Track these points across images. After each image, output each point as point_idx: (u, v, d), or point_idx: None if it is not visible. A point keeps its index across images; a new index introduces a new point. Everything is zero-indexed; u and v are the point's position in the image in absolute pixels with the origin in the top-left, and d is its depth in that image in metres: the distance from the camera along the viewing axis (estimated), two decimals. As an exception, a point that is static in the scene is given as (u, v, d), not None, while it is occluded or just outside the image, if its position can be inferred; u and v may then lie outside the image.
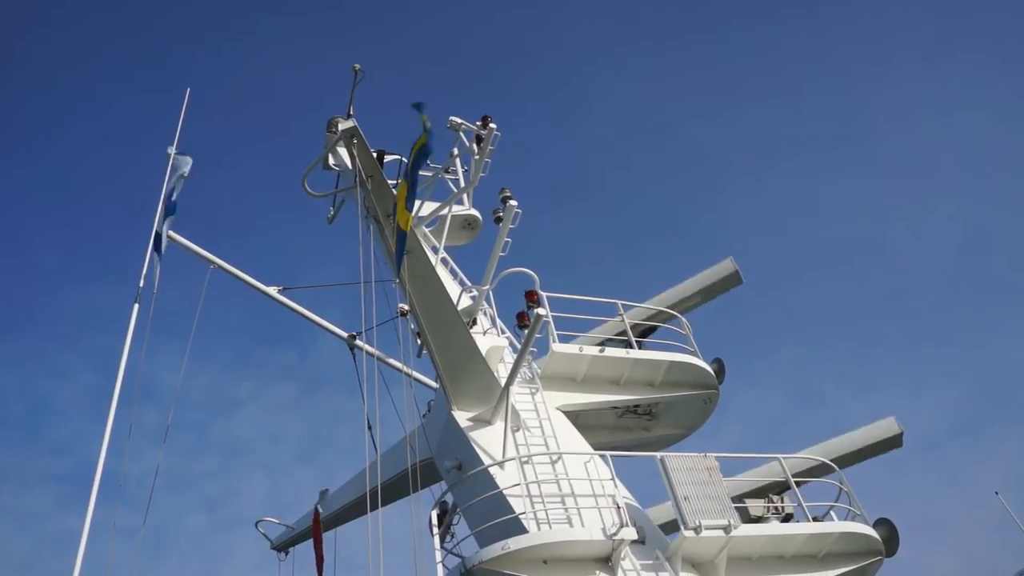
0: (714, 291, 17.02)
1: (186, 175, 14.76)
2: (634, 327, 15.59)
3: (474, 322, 15.80)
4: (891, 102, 64.73)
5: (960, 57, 65.40)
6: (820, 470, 13.62)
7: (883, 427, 15.77)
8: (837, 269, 64.43)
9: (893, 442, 15.80)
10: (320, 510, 16.74)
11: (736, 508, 11.71)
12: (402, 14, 73.00)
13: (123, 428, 11.49)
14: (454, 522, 13.67)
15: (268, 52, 71.16)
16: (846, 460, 14.96)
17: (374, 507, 11.17)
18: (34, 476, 56.24)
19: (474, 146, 15.78)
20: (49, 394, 63.00)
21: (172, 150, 14.74)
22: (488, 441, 13.29)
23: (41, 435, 59.55)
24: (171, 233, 15.12)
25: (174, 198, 14.65)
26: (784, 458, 13.08)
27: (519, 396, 14.02)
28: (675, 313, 16.12)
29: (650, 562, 11.12)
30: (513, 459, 12.42)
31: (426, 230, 17.35)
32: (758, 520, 12.18)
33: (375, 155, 14.95)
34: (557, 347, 14.52)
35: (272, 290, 16.67)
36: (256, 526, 18.61)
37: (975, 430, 55.97)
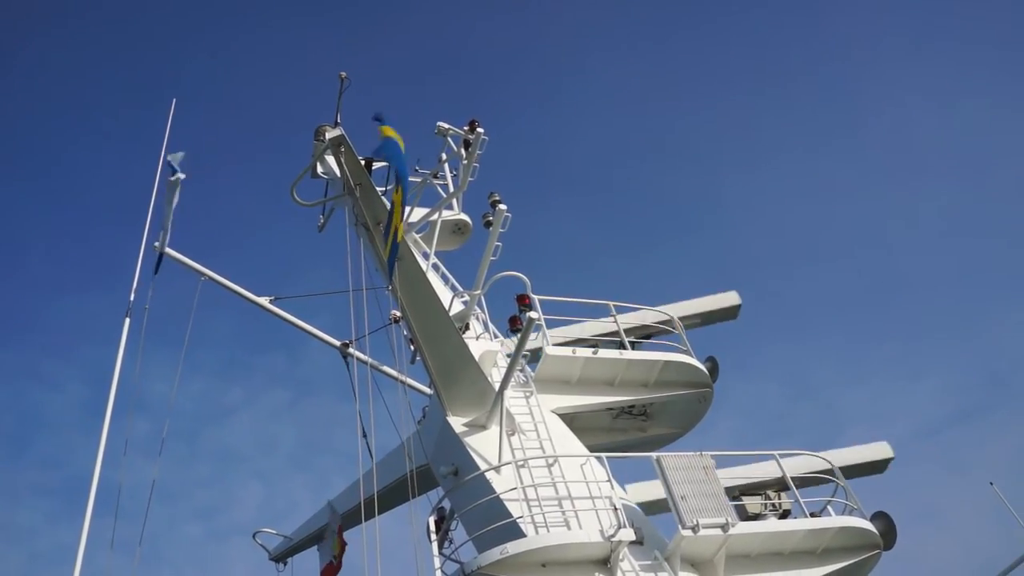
0: (712, 318, 17.49)
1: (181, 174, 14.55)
2: (633, 330, 15.73)
3: (467, 327, 15.78)
4: (884, 91, 64.75)
5: (953, 45, 65.48)
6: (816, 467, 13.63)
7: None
8: (833, 259, 64.42)
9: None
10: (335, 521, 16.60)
11: (734, 506, 11.74)
12: (392, 16, 72.85)
13: (114, 440, 11.44)
14: (452, 528, 13.66)
15: (255, 60, 70.97)
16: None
17: (371, 515, 11.16)
18: (24, 490, 55.76)
19: (462, 151, 15.77)
20: (38, 406, 62.50)
21: (173, 173, 14.46)
22: (484, 446, 13.28)
23: (30, 448, 59.08)
24: (168, 250, 15.04)
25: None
26: (780, 455, 13.10)
27: (513, 400, 14.00)
28: (669, 315, 16.12)
29: (649, 562, 11.15)
30: (509, 463, 12.41)
31: (416, 236, 17.32)
32: (756, 517, 12.21)
33: (363, 163, 14.93)
34: (551, 350, 14.52)
35: (264, 300, 16.59)
36: (254, 537, 18.50)
37: (972, 418, 56.05)
